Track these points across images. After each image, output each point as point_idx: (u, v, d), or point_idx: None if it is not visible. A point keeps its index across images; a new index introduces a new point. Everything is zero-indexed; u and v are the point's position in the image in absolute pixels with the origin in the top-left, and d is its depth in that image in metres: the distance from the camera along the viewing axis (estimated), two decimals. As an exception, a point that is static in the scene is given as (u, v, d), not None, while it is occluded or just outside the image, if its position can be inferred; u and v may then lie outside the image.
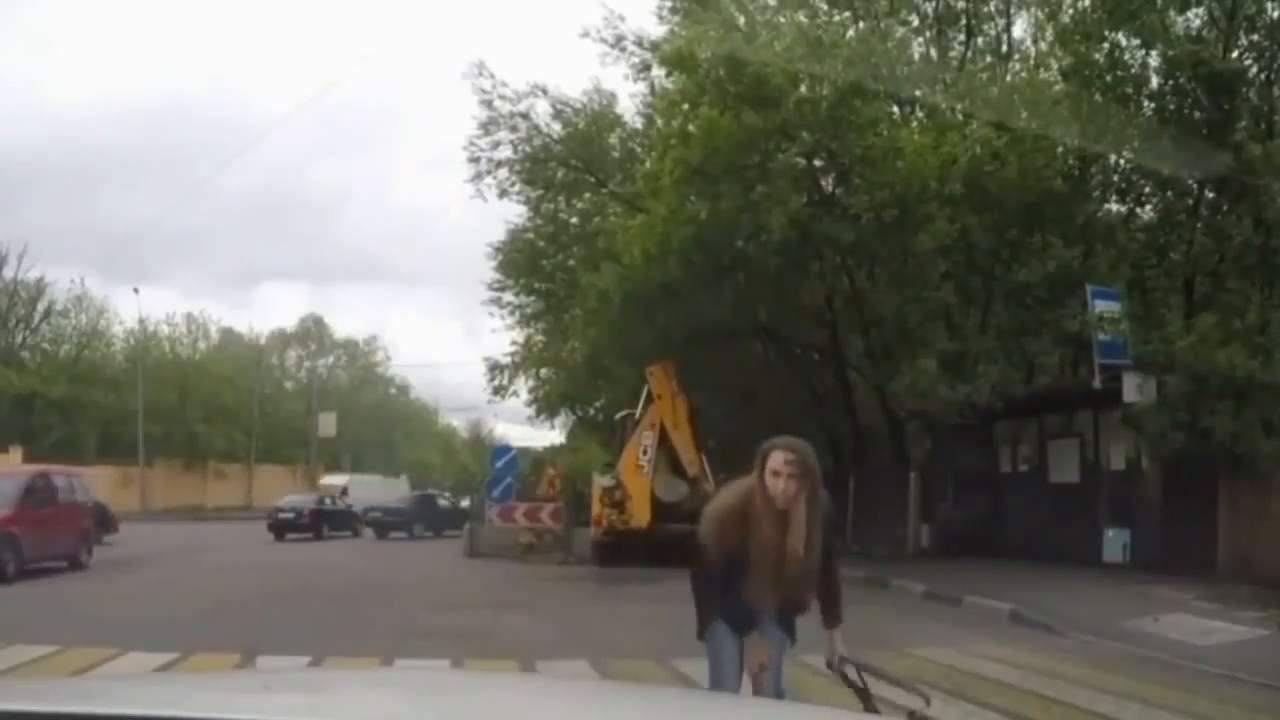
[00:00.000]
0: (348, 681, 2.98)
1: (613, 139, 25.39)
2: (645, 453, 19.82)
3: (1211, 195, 16.71)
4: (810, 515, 4.00)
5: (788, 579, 4.13)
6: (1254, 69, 16.37)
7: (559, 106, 24.42)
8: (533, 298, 27.61)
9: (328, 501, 35.35)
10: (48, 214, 62.79)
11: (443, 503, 37.15)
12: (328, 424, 54.77)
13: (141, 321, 50.75)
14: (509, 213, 26.75)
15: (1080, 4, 17.73)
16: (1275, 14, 15.90)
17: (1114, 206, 18.54)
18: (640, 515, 19.43)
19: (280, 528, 31.01)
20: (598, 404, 30.44)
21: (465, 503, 36.89)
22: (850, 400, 22.73)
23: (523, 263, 26.35)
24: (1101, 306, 15.39)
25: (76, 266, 72.36)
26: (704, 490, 19.83)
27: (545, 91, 24.06)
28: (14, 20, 62.51)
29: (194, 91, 73.82)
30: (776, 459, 3.99)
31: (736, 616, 4.47)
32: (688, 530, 4.77)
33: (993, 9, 21.12)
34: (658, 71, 22.08)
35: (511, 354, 29.41)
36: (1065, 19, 17.73)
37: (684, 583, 4.63)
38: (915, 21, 20.90)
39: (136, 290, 79.61)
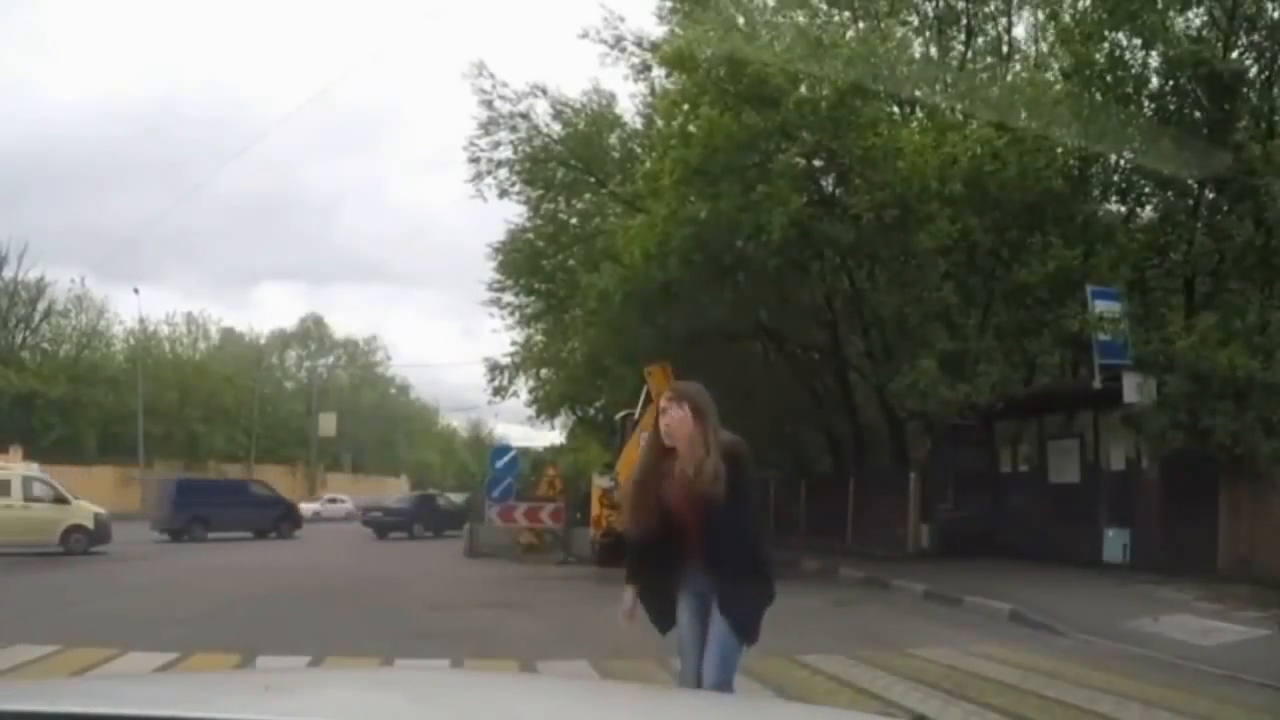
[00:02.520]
0: (348, 681, 2.97)
1: (613, 139, 25.39)
2: (644, 453, 19.79)
3: (1212, 195, 16.68)
4: (704, 440, 4.15)
5: (690, 511, 4.23)
6: (1254, 69, 16.36)
7: (559, 107, 24.46)
8: (533, 298, 27.55)
9: (440, 501, 37.67)
10: (48, 214, 62.95)
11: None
12: (328, 424, 54.90)
13: (141, 321, 50.95)
14: (509, 213, 26.82)
15: (1081, 4, 17.73)
16: (1276, 14, 15.89)
17: (1114, 206, 18.52)
18: (639, 516, 19.41)
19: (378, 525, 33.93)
20: (598, 404, 30.37)
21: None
22: (850, 400, 22.73)
23: (523, 263, 26.32)
24: (1101, 306, 15.37)
25: (76, 266, 72.63)
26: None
27: (545, 92, 24.12)
28: (14, 21, 62.46)
29: (194, 91, 73.94)
30: (661, 402, 4.26)
31: (653, 606, 4.48)
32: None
33: (993, 9, 21.11)
34: (658, 72, 22.13)
35: (511, 354, 29.37)
36: (1066, 19, 17.70)
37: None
38: (915, 21, 20.89)
39: (136, 290, 80.00)
